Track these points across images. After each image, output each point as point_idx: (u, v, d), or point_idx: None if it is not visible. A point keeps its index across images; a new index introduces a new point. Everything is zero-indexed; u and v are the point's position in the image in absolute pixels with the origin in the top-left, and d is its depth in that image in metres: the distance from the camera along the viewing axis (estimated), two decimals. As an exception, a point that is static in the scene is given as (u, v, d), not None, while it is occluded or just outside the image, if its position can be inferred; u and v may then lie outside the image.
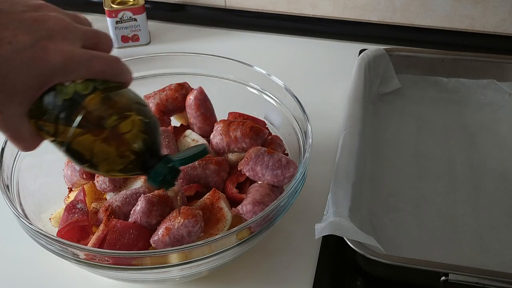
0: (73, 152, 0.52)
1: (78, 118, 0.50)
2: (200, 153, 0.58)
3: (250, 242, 0.64)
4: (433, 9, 1.15)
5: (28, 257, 0.74)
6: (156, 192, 0.67)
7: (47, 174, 0.77)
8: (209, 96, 0.82)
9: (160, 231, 0.63)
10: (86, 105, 0.51)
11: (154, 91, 0.84)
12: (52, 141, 0.53)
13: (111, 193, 0.72)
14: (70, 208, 0.69)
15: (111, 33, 1.16)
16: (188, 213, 0.63)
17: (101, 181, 0.71)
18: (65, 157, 0.54)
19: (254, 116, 0.82)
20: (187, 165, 0.72)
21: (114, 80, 0.53)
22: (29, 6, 0.51)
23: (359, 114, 0.87)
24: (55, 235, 0.64)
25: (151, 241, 0.63)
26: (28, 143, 0.53)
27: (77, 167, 0.63)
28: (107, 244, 0.63)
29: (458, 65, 1.00)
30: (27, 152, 0.75)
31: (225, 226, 0.66)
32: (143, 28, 1.17)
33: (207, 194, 0.69)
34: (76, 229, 0.67)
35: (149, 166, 0.54)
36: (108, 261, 0.60)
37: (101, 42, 0.54)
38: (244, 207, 0.68)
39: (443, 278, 0.63)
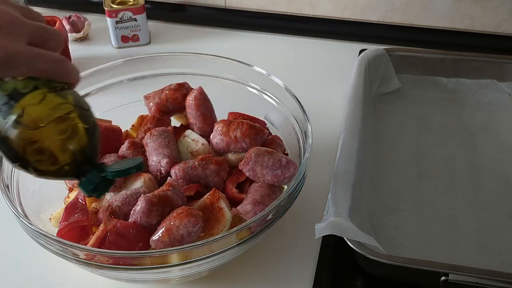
0: (6, 148, 0.51)
1: (13, 117, 0.49)
2: (136, 167, 0.56)
3: (250, 242, 0.64)
4: (433, 9, 1.15)
5: (28, 257, 0.74)
6: (156, 192, 0.67)
7: (47, 174, 0.77)
8: (209, 96, 0.82)
9: (160, 231, 0.63)
10: (23, 104, 0.50)
11: (154, 91, 0.84)
12: None
13: (111, 193, 0.72)
14: (70, 208, 0.69)
15: (111, 33, 1.16)
16: (188, 213, 0.63)
17: (101, 181, 0.71)
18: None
19: (254, 116, 0.82)
20: (187, 165, 0.72)
21: (58, 80, 0.52)
22: None
23: (359, 114, 0.87)
24: (55, 235, 0.64)
25: (151, 241, 0.63)
26: None
27: (8, 164, 0.60)
28: (107, 244, 0.63)
29: (458, 65, 1.01)
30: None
31: (225, 226, 0.66)
32: (143, 28, 1.17)
33: (207, 194, 0.69)
34: (76, 229, 0.67)
35: (82, 172, 0.53)
36: (108, 261, 0.60)
37: (50, 39, 0.53)
38: (244, 207, 0.68)
39: (443, 278, 0.63)
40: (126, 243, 0.63)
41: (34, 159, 0.51)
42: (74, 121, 0.52)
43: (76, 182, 0.69)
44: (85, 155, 0.53)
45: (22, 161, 0.51)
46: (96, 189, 0.54)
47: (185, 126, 0.84)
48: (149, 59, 0.89)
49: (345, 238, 0.66)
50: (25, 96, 0.50)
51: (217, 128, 0.76)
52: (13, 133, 0.50)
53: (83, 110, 0.53)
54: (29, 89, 0.50)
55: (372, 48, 1.03)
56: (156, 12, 1.27)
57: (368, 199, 0.80)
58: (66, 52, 1.09)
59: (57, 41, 0.54)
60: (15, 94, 0.50)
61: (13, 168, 0.73)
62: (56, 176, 0.54)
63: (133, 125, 0.85)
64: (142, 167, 0.57)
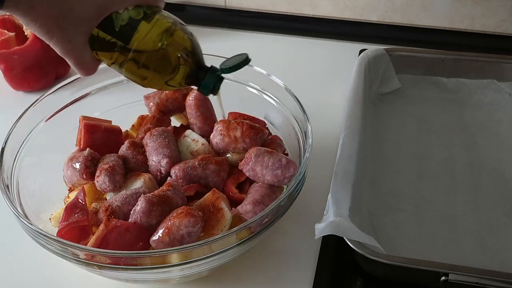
0: (133, 71, 0.62)
1: (137, 39, 0.60)
2: (245, 61, 0.65)
3: (250, 242, 0.64)
4: (433, 9, 1.15)
5: (28, 257, 0.74)
6: (156, 192, 0.67)
7: (47, 174, 0.77)
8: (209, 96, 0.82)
9: (160, 231, 0.63)
10: (141, 28, 0.60)
11: (154, 91, 0.84)
12: (111, 63, 0.62)
13: (111, 193, 0.72)
14: (70, 208, 0.69)
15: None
16: (188, 213, 0.63)
17: (101, 181, 0.71)
18: (125, 77, 0.63)
19: (254, 116, 0.82)
20: (187, 165, 0.72)
21: (154, 5, 0.62)
22: None
23: (359, 114, 0.87)
24: (55, 235, 0.64)
25: (151, 241, 0.63)
26: (89, 67, 0.63)
27: (138, 85, 0.66)
28: (107, 244, 0.63)
29: (458, 65, 1.01)
30: (27, 152, 0.76)
31: (225, 226, 0.66)
32: (143, 28, 1.16)
33: (207, 194, 0.69)
34: (76, 229, 0.67)
35: (199, 77, 0.64)
36: (108, 261, 0.60)
37: None
38: (244, 207, 0.68)
39: (443, 278, 0.63)
40: (126, 243, 0.63)
41: (157, 75, 0.62)
42: (182, 34, 0.62)
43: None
44: (197, 62, 0.63)
45: (147, 79, 0.62)
46: (214, 88, 0.65)
47: (185, 126, 0.84)
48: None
49: (345, 238, 0.66)
50: (140, 21, 0.60)
51: (217, 128, 0.76)
52: (139, 55, 0.60)
53: (183, 25, 0.63)
54: (141, 15, 0.60)
55: (372, 48, 1.03)
56: (156, 12, 1.27)
57: (368, 199, 0.80)
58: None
59: None
60: (132, 21, 0.60)
61: (13, 168, 0.73)
62: (181, 85, 0.64)
63: (133, 125, 0.85)
64: (248, 60, 0.65)
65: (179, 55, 0.61)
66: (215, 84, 0.65)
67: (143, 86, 0.64)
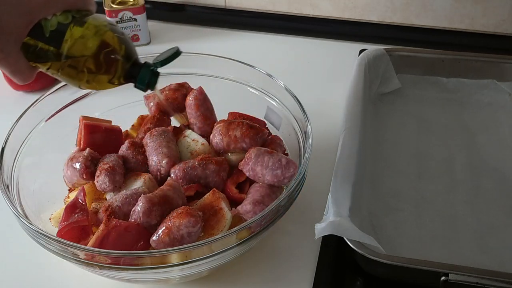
0: (69, 74, 0.62)
1: (67, 45, 0.60)
2: (175, 54, 0.67)
3: (250, 242, 0.64)
4: (433, 9, 1.15)
5: (28, 257, 0.74)
6: (156, 192, 0.67)
7: (47, 174, 0.77)
8: (209, 96, 0.82)
9: (160, 231, 0.63)
10: (71, 32, 0.60)
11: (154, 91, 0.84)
12: (47, 69, 0.62)
13: (111, 193, 0.72)
14: (70, 208, 0.69)
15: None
16: (188, 213, 0.63)
17: (101, 181, 0.71)
18: (62, 80, 0.64)
19: (254, 116, 0.82)
20: (187, 165, 0.72)
21: (84, 8, 0.63)
22: None
23: (359, 114, 0.87)
24: (55, 235, 0.64)
25: (151, 241, 0.63)
26: (25, 75, 0.63)
27: (74, 87, 0.67)
28: (107, 244, 0.63)
29: (458, 65, 1.01)
30: (27, 152, 0.76)
31: (225, 226, 0.66)
32: (143, 28, 1.17)
33: (207, 194, 0.69)
34: (76, 229, 0.67)
35: (133, 74, 0.64)
36: (108, 261, 0.60)
37: None
38: (244, 207, 0.68)
39: (443, 278, 0.63)
40: (126, 243, 0.63)
41: (93, 76, 0.62)
42: (112, 34, 0.62)
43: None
44: (129, 59, 0.64)
45: (84, 78, 0.62)
46: (149, 83, 0.66)
47: (185, 126, 0.84)
48: (149, 59, 0.89)
49: (345, 238, 0.66)
50: (68, 26, 0.61)
51: (217, 128, 0.76)
52: (70, 58, 0.61)
53: (113, 26, 0.64)
54: (70, 19, 0.61)
55: (372, 48, 1.03)
56: (156, 12, 1.27)
57: (368, 199, 0.80)
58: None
59: None
60: (61, 26, 0.60)
61: (13, 168, 0.73)
62: (115, 84, 0.65)
63: (133, 125, 0.85)
64: (180, 52, 0.68)
65: (111, 55, 0.62)
66: (150, 79, 0.65)
67: (81, 88, 0.66)
